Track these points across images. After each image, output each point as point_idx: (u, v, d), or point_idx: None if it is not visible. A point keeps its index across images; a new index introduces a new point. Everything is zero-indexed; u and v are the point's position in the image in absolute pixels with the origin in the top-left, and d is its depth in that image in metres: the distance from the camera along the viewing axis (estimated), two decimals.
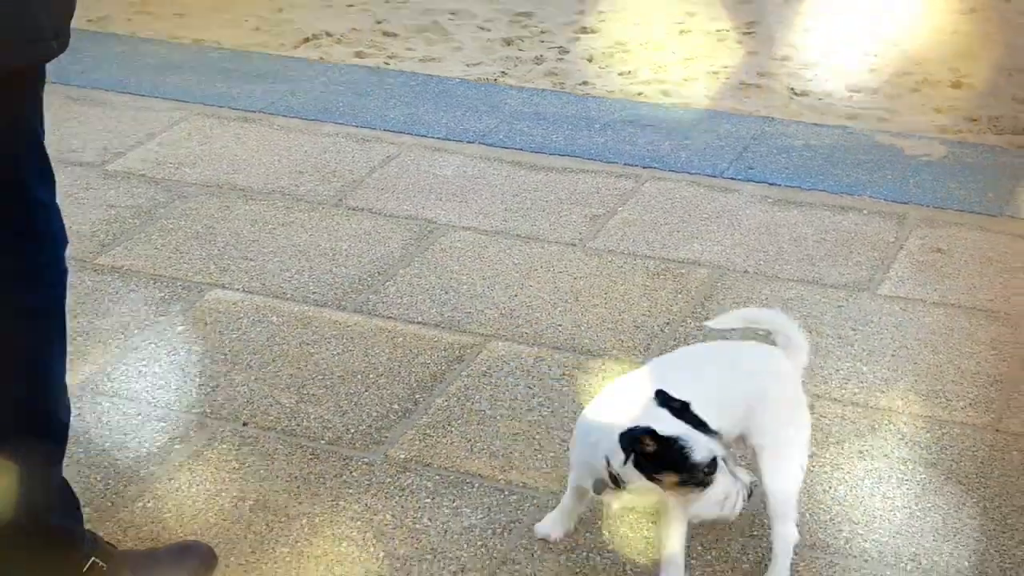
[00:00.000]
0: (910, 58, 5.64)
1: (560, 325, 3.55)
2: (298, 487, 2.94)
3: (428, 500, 2.90)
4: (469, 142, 4.65)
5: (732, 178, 4.37)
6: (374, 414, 3.19)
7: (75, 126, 4.71)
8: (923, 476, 3.00)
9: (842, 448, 3.08)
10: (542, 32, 6.03)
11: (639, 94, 5.25)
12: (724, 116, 4.99)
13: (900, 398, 3.26)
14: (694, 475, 2.33)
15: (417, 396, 3.25)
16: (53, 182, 2.36)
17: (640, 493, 2.46)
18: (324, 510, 2.87)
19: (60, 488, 2.53)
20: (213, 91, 5.10)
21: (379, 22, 6.19)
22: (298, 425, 3.15)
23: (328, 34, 6.00)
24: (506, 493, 2.92)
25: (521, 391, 3.27)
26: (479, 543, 2.77)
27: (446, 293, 3.71)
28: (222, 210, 4.16)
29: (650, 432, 2.32)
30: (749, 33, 5.96)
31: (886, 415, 3.19)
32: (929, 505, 2.89)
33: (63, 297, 2.45)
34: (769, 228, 4.04)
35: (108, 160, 4.49)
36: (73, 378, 3.27)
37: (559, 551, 2.76)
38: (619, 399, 2.59)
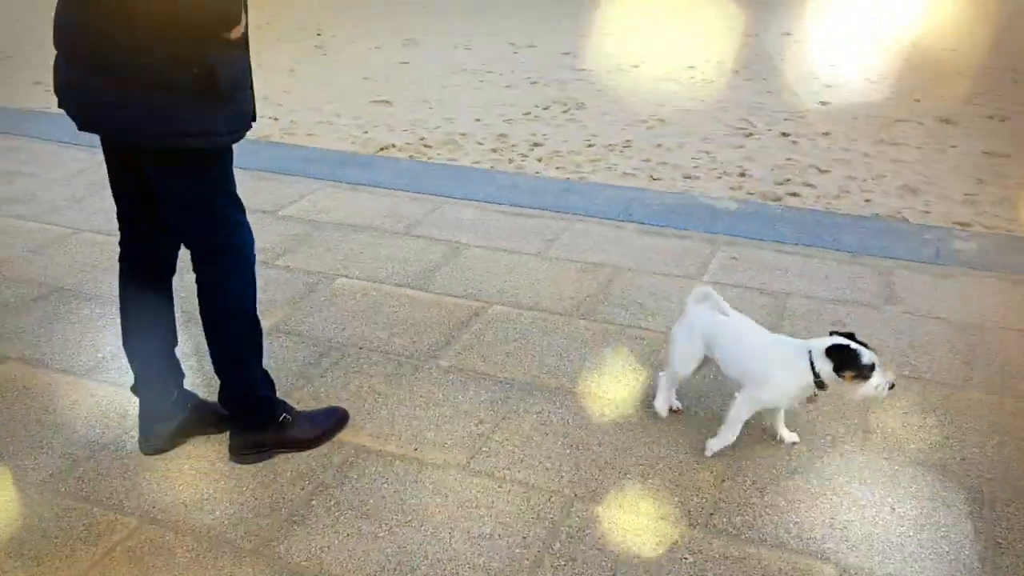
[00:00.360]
0: (718, 161, 5.71)
1: (529, 296, 3.59)
2: (390, 380, 2.99)
3: (460, 387, 2.96)
4: (478, 201, 4.68)
5: (621, 220, 4.41)
6: (430, 342, 3.24)
7: (259, 192, 4.73)
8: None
9: None
10: (512, 146, 6.08)
11: (567, 178, 5.32)
12: (615, 188, 5.03)
13: None
14: (863, 372, 2.36)
15: (453, 333, 3.30)
16: (243, 209, 2.39)
17: (833, 387, 2.44)
18: (405, 393, 2.93)
19: (264, 373, 2.59)
20: (335, 174, 5.11)
21: (421, 139, 6.22)
22: (389, 348, 3.21)
23: (394, 145, 6.04)
24: (503, 383, 2.98)
25: (511, 331, 3.32)
26: (489, 408, 2.85)
27: (468, 279, 3.74)
28: (343, 236, 4.19)
29: (845, 347, 2.38)
30: (627, 147, 6.03)
31: None
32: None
33: (252, 265, 2.45)
34: (642, 247, 4.08)
35: (278, 210, 4.53)
36: (265, 323, 3.37)
37: (532, 413, 2.80)
38: (782, 342, 2.57)
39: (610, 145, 6.05)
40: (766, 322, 3.35)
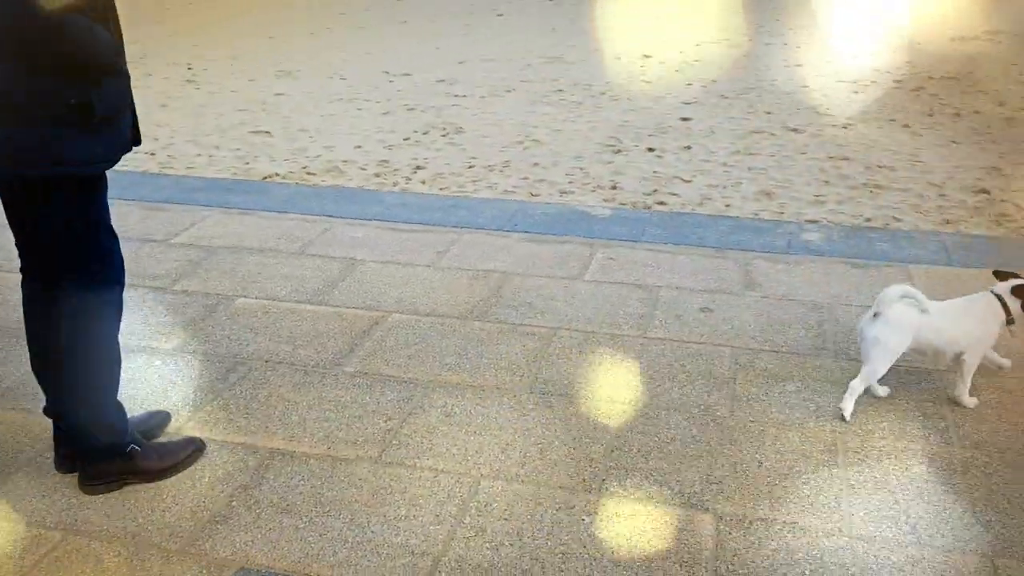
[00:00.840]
0: (591, 175, 6.03)
1: (426, 304, 3.78)
2: (298, 388, 3.13)
3: (367, 389, 3.13)
4: (368, 220, 4.82)
5: (507, 231, 4.64)
6: (334, 351, 3.40)
7: (149, 222, 4.75)
8: (607, 362, 3.32)
9: (577, 350, 3.40)
10: (395, 170, 6.24)
11: (453, 195, 5.54)
12: (499, 202, 5.27)
13: (597, 328, 3.55)
14: None
15: (355, 342, 3.47)
16: (116, 238, 2.47)
17: (1019, 321, 2.90)
18: (314, 398, 3.08)
19: (118, 404, 2.63)
20: (224, 200, 5.16)
21: (304, 167, 6.31)
22: (295, 359, 3.34)
23: (277, 174, 6.11)
24: (407, 383, 3.17)
25: (411, 336, 3.51)
26: (396, 406, 3.03)
27: (365, 292, 3.90)
28: (238, 259, 4.27)
29: None
30: (506, 167, 6.29)
31: (590, 336, 3.48)
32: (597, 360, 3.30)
33: (121, 294, 2.51)
34: (528, 253, 4.32)
35: (170, 238, 4.57)
36: (168, 345, 3.46)
37: (437, 407, 3.01)
38: (974, 300, 2.95)
39: (490, 166, 6.30)
40: (641, 312, 3.69)
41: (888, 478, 2.67)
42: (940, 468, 2.71)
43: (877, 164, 6.20)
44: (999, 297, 2.91)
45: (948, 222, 5.07)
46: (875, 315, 2.89)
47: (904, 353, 2.95)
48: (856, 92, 8.22)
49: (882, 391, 3.03)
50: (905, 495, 2.60)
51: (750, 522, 2.50)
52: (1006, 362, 3.13)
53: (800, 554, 2.38)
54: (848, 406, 2.93)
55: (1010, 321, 2.90)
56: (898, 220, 5.11)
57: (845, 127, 7.16)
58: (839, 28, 11.57)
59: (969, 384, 2.97)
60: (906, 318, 2.89)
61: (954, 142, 6.67)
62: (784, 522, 2.50)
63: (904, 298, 2.87)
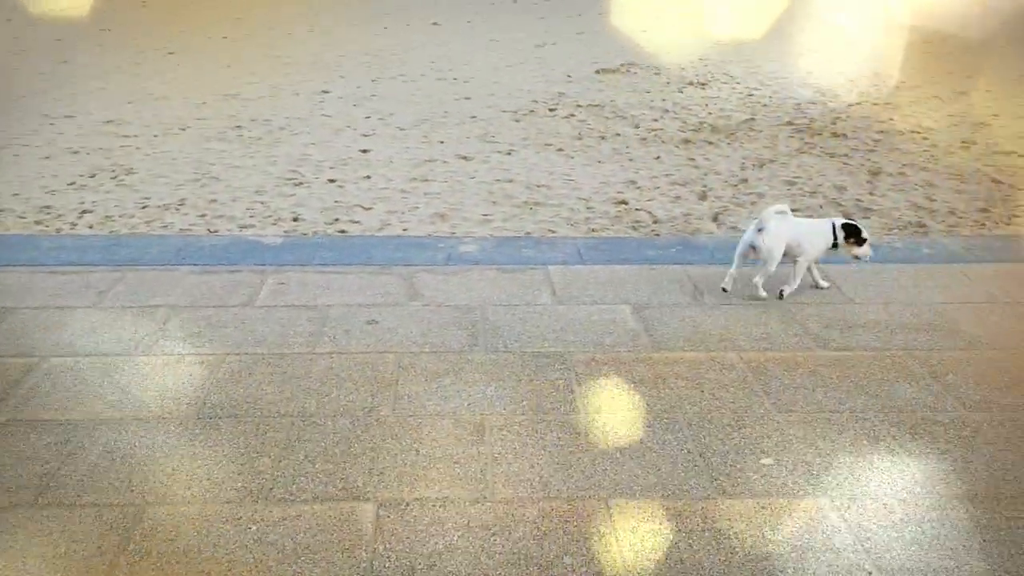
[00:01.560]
0: (272, 208, 6.05)
1: (86, 345, 3.65)
2: None
3: (21, 436, 3.03)
4: (20, 266, 4.52)
5: (174, 264, 4.53)
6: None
7: None
8: (276, 380, 3.47)
9: (246, 373, 3.48)
10: (59, 216, 5.84)
11: (119, 236, 5.39)
12: (165, 238, 5.10)
13: (267, 350, 3.61)
14: (860, 240, 4.09)
15: (7, 391, 3.32)
16: None
17: (842, 249, 4.11)
18: None
19: None
20: None
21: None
22: None
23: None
24: (65, 425, 3.09)
25: (69, 378, 3.40)
26: (53, 449, 2.94)
27: (17, 340, 3.70)
28: None
29: (855, 224, 4.10)
30: (182, 205, 6.14)
31: (259, 358, 3.56)
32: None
33: None
34: (197, 285, 4.26)
35: None
36: None
37: (99, 444, 2.96)
38: (807, 222, 4.20)
39: (164, 205, 6.15)
40: (311, 331, 3.86)
41: (526, 448, 3.05)
42: (568, 432, 3.14)
43: (536, 184, 6.85)
44: (834, 226, 4.12)
45: (593, 230, 5.74)
46: (759, 229, 3.96)
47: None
48: (517, 120, 8.99)
49: (763, 293, 4.12)
50: (539, 460, 2.99)
51: (407, 503, 2.75)
52: (825, 283, 4.31)
53: (450, 524, 2.67)
54: (762, 292, 4.13)
55: (835, 245, 4.12)
56: (553, 232, 5.70)
57: (509, 153, 7.82)
58: (500, 63, 12.53)
59: (797, 283, 4.19)
60: (783, 228, 4.04)
61: (599, 161, 7.53)
62: (436, 498, 2.78)
63: (778, 213, 3.98)
